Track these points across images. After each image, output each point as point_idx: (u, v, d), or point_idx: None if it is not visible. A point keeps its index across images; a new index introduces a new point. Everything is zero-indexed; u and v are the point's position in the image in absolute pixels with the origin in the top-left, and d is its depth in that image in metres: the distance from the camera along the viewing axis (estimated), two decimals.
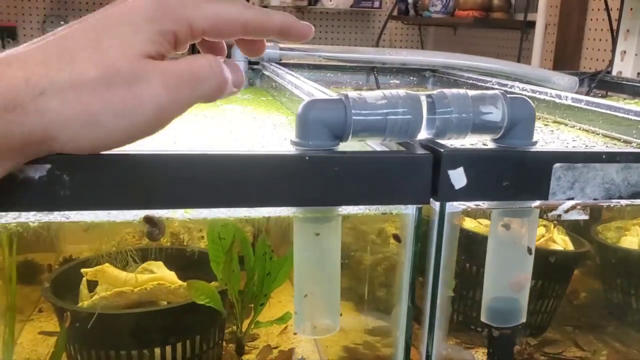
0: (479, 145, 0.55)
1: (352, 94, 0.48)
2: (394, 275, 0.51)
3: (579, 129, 0.93)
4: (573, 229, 0.94)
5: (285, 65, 1.35)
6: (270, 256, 0.63)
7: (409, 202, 0.49)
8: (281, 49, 1.33)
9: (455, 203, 0.50)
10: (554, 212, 0.52)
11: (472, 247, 0.89)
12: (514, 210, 0.54)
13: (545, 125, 0.85)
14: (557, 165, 0.51)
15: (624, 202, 0.53)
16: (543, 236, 0.93)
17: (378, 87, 1.42)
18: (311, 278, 0.51)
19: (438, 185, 0.48)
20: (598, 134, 0.89)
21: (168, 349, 0.63)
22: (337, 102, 0.47)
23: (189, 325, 0.64)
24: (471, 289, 0.89)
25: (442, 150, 0.48)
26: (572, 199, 0.52)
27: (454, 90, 0.51)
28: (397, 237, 0.50)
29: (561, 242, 0.92)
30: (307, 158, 0.45)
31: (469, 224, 0.93)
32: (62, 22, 3.01)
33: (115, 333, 0.63)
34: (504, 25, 2.69)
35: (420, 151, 0.48)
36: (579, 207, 0.53)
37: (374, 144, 0.54)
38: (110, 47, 0.36)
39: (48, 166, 0.40)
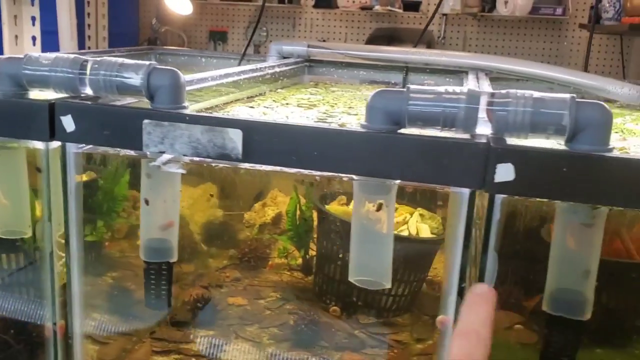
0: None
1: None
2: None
3: None
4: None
5: (319, 62, 1.48)
6: None
7: (31, 138, 0.64)
8: (309, 46, 1.45)
9: (72, 145, 0.64)
10: (154, 163, 0.62)
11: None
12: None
13: None
14: (146, 121, 0.61)
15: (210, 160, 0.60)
16: (405, 222, 0.92)
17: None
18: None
19: (55, 129, 0.63)
20: None
21: None
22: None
23: None
24: None
25: (54, 100, 0.63)
26: (164, 152, 0.61)
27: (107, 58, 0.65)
28: (38, 169, 0.66)
29: (416, 229, 0.91)
30: None
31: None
32: (263, 28, 3.46)
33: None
34: None
35: (39, 99, 0.63)
36: (174, 160, 0.62)
37: None
38: None
39: None
